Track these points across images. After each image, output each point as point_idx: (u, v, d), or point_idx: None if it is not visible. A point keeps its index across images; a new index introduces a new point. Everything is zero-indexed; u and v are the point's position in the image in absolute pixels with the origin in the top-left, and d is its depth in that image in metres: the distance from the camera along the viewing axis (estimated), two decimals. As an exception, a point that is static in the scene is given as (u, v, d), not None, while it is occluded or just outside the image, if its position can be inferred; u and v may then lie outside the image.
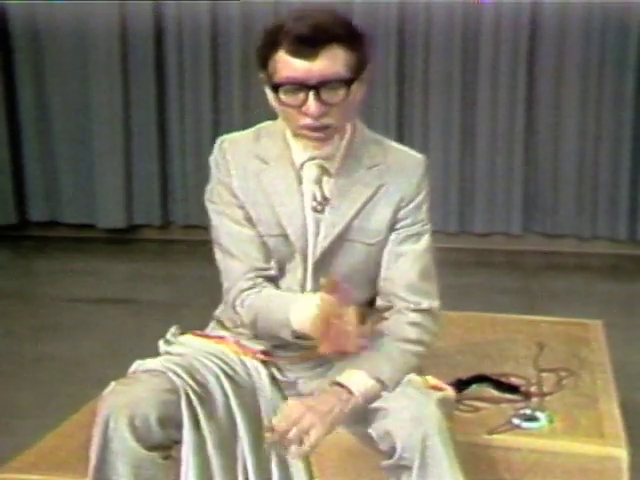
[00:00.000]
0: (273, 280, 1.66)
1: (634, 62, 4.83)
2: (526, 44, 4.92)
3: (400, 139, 4.98)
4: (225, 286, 1.67)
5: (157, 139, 5.33)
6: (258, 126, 1.73)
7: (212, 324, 1.78)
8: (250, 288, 1.63)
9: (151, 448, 1.49)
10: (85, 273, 4.78)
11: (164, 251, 5.38)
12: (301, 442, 1.44)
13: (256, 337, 1.69)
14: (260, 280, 1.63)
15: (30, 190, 5.49)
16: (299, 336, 1.57)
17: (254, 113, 5.08)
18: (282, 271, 1.66)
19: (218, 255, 1.68)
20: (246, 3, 5.08)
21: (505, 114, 5.03)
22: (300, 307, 1.55)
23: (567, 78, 4.96)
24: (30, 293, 4.56)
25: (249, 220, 1.64)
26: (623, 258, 5.00)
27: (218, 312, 1.78)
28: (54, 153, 5.44)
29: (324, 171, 1.64)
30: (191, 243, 5.15)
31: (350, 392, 1.51)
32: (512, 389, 2.05)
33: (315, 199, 1.64)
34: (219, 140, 1.71)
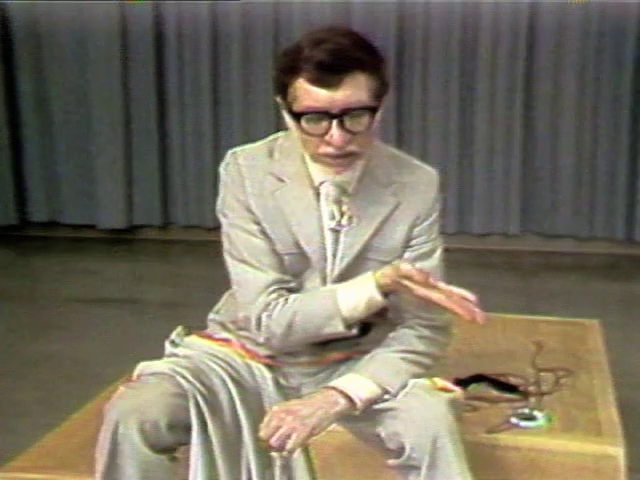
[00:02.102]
0: (294, 292, 1.63)
1: (631, 63, 4.84)
2: (524, 47, 4.93)
3: (399, 139, 5.00)
4: (245, 299, 1.62)
5: (157, 140, 5.33)
6: (269, 139, 1.68)
7: (212, 326, 1.77)
8: (275, 299, 1.59)
9: (159, 451, 1.50)
10: (86, 273, 4.78)
11: (164, 251, 5.38)
12: (283, 446, 1.45)
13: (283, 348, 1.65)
14: (283, 292, 1.60)
15: (31, 191, 5.50)
16: (350, 325, 1.56)
17: (254, 114, 5.09)
18: (298, 286, 1.64)
19: (235, 268, 1.63)
20: (246, 3, 5.09)
21: (503, 115, 5.03)
22: (348, 294, 1.55)
23: (564, 80, 4.96)
24: (31, 293, 4.57)
25: (265, 234, 1.61)
26: (620, 258, 5.01)
27: (212, 316, 1.77)
28: (55, 154, 5.44)
29: (342, 191, 1.61)
30: (191, 243, 5.15)
31: (342, 394, 1.52)
32: (510, 388, 2.07)
33: (334, 218, 1.61)
34: (231, 152, 1.65)
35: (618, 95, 4.89)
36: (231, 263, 1.64)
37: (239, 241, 1.62)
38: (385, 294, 1.55)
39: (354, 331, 1.59)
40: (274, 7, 5.08)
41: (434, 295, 1.50)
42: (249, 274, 1.60)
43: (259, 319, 1.60)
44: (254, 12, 5.07)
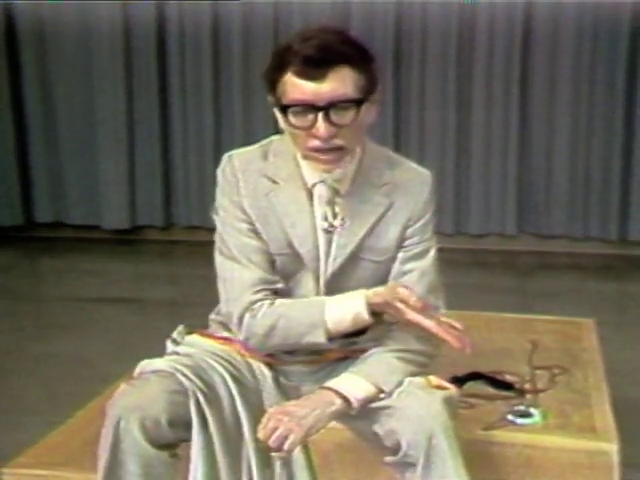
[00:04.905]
0: (280, 294, 1.64)
1: (625, 64, 4.86)
2: (519, 49, 4.95)
3: (397, 140, 5.03)
4: (229, 296, 1.64)
5: (160, 142, 5.36)
6: (265, 142, 1.70)
7: (213, 326, 1.78)
8: (261, 300, 1.60)
9: (160, 447, 1.51)
10: (90, 273, 4.81)
11: (167, 251, 5.41)
12: (281, 447, 1.47)
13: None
14: (269, 293, 1.62)
15: (36, 192, 5.54)
16: (331, 337, 1.57)
17: (255, 115, 5.12)
18: (291, 287, 1.66)
19: (223, 264, 1.64)
20: (246, 3, 5.11)
21: (499, 118, 5.06)
22: (338, 307, 1.56)
23: (559, 82, 4.98)
24: (36, 292, 4.60)
25: (257, 234, 1.63)
26: (614, 258, 5.03)
27: (213, 316, 1.79)
28: (60, 156, 5.47)
29: (335, 192, 1.62)
30: (193, 244, 5.17)
31: (338, 394, 1.53)
32: (507, 386, 2.09)
33: (326, 220, 1.63)
34: (227, 155, 1.68)
35: (612, 97, 4.91)
36: (219, 260, 1.65)
37: (230, 239, 1.64)
38: (373, 313, 1.56)
39: (326, 345, 1.59)
40: (274, 7, 5.10)
41: (425, 321, 1.53)
42: (236, 271, 1.62)
43: (242, 317, 1.61)
44: (254, 12, 5.09)
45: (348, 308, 1.56)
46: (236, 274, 1.62)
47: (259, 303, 1.60)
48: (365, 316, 1.56)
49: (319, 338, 1.57)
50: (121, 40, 5.24)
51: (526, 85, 5.02)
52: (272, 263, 1.64)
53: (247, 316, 1.60)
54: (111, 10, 5.19)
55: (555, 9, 4.87)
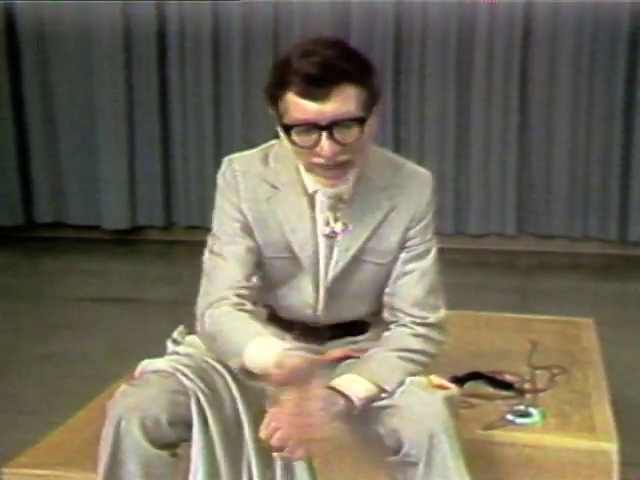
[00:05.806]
0: (279, 297, 1.65)
1: (624, 66, 4.86)
2: (519, 50, 4.95)
3: (396, 140, 5.03)
4: (206, 289, 1.64)
5: (160, 142, 5.36)
6: (265, 146, 1.70)
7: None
8: (226, 300, 1.59)
9: (161, 447, 1.51)
10: (90, 273, 4.81)
11: (167, 251, 5.42)
12: (283, 447, 1.46)
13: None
14: (238, 299, 1.59)
15: (37, 192, 5.53)
16: (248, 372, 1.53)
17: (255, 115, 5.12)
18: (289, 289, 1.67)
19: (209, 260, 1.66)
20: (246, 3, 5.11)
21: (499, 118, 5.06)
22: (258, 347, 1.49)
23: (559, 82, 4.98)
24: (37, 292, 4.60)
25: (250, 236, 1.64)
26: (613, 258, 5.03)
27: None
28: (60, 156, 5.47)
29: (337, 198, 1.63)
30: (193, 244, 5.11)
31: (340, 394, 1.53)
32: (506, 386, 2.08)
33: (328, 225, 1.63)
34: (227, 159, 1.69)
35: (611, 97, 4.91)
36: (206, 256, 1.67)
37: (221, 236, 1.65)
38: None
39: (245, 376, 1.55)
40: (274, 7, 5.10)
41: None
42: (218, 269, 1.62)
43: (203, 314, 1.61)
44: (254, 12, 5.08)
45: (264, 355, 1.47)
46: (217, 271, 1.63)
47: (222, 305, 1.59)
48: (272, 371, 1.45)
49: (234, 365, 1.56)
50: (121, 40, 5.24)
51: (526, 85, 5.02)
52: (256, 265, 1.64)
53: (207, 313, 1.60)
54: (111, 10, 5.18)
55: (555, 9, 4.88)
